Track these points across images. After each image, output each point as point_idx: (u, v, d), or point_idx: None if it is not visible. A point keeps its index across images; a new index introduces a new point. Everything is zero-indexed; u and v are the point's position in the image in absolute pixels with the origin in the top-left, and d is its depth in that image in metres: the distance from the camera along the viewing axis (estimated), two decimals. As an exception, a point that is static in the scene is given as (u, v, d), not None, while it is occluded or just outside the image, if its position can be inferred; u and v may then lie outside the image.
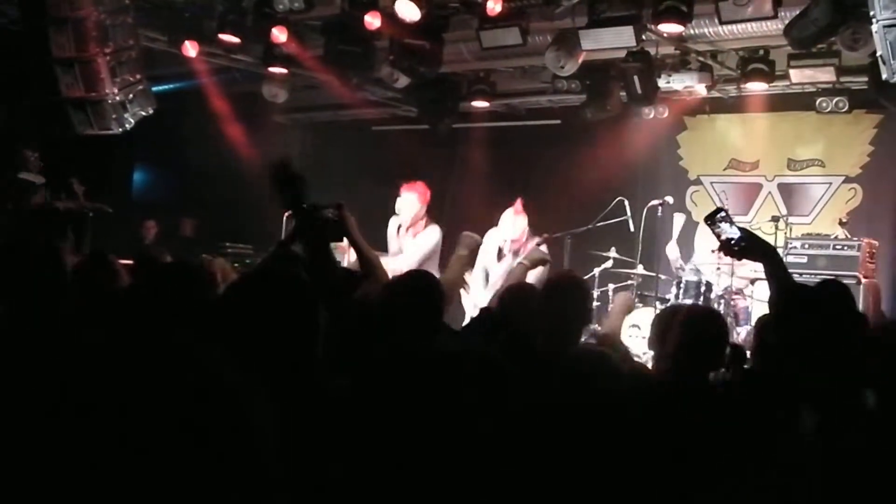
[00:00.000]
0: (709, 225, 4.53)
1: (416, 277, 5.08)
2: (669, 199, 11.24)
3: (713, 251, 9.79)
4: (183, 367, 1.25)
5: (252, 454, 1.26)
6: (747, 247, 4.46)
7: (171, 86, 12.71)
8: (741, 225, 4.59)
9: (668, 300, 10.78)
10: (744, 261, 4.79)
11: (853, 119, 12.46)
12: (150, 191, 15.23)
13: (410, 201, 9.15)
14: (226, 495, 1.23)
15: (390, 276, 5.47)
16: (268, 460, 1.29)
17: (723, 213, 4.50)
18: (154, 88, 11.16)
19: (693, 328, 4.49)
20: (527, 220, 9.11)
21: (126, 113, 10.49)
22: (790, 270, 10.48)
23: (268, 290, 3.48)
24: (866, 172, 12.63)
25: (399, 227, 9.20)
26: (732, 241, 4.44)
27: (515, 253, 8.97)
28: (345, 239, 5.63)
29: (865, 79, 10.89)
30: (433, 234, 9.09)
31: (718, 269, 10.97)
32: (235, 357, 1.58)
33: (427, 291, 4.61)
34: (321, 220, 5.46)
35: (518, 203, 9.16)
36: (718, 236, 4.48)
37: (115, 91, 10.34)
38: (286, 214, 11.72)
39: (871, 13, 7.46)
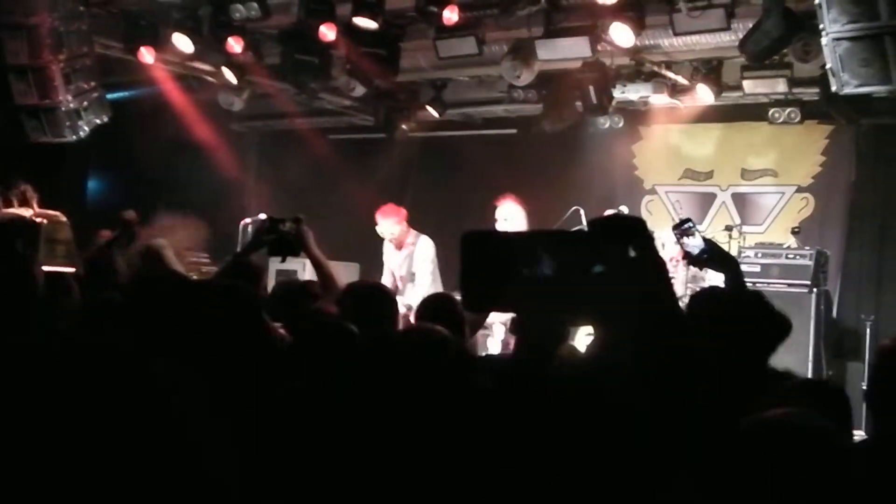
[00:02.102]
0: (675, 234, 4.59)
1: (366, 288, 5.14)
2: (624, 209, 11.30)
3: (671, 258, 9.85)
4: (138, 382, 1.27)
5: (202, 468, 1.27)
6: (710, 258, 4.53)
7: (127, 93, 12.64)
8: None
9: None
10: (692, 269, 4.88)
11: (805, 130, 12.59)
12: (104, 199, 15.09)
13: (390, 225, 9.33)
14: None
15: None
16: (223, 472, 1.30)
17: (689, 224, 4.57)
18: (109, 96, 11.11)
19: None
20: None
21: (80, 120, 10.44)
22: (745, 280, 10.62)
23: (213, 300, 3.50)
24: (818, 182, 12.76)
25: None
26: (697, 252, 4.50)
27: None
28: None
29: (817, 90, 11.02)
30: (429, 245, 9.26)
31: (674, 277, 11.04)
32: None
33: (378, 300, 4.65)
34: (279, 234, 5.48)
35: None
36: (683, 246, 4.54)
37: (70, 98, 10.29)
38: (242, 223, 11.74)
39: (821, 26, 7.56)
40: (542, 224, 11.08)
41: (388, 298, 5.18)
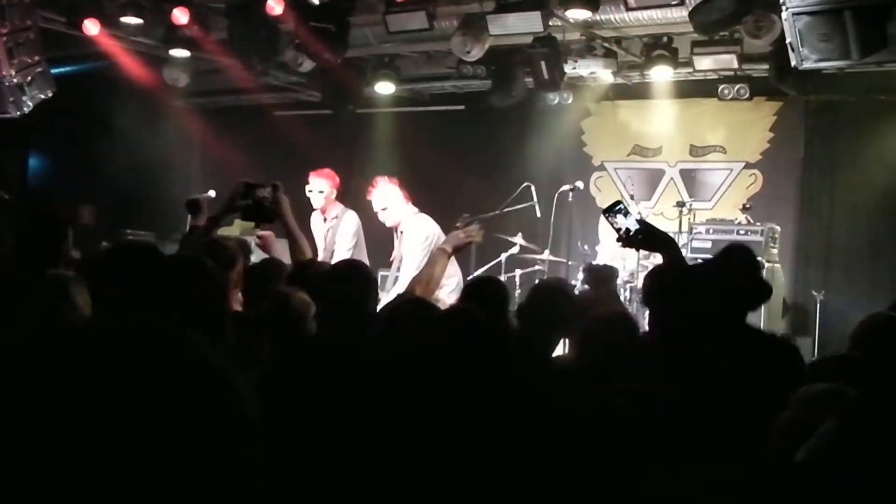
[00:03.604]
0: (606, 218, 4.57)
1: (345, 268, 5.02)
2: (580, 185, 11.26)
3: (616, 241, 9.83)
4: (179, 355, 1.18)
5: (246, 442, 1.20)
6: (645, 238, 4.51)
7: (71, 68, 12.37)
8: (641, 212, 4.67)
9: (575, 286, 10.83)
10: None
11: (754, 106, 12.64)
12: (46, 177, 14.82)
13: (320, 186, 9.08)
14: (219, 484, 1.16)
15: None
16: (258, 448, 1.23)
17: (620, 206, 4.54)
18: (53, 71, 10.87)
19: None
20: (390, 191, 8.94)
21: (24, 96, 10.21)
22: (695, 255, 10.68)
23: (174, 274, 3.40)
24: (766, 159, 12.83)
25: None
26: (631, 233, 4.48)
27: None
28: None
29: (766, 66, 11.06)
30: (353, 220, 9.05)
31: (624, 256, 11.04)
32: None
33: (355, 281, 4.53)
34: (254, 199, 5.35)
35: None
36: (617, 228, 4.51)
37: (13, 73, 10.05)
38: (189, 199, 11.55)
39: (781, 1, 7.54)
40: (488, 201, 11.03)
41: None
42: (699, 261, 10.93)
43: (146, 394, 1.11)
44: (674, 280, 3.95)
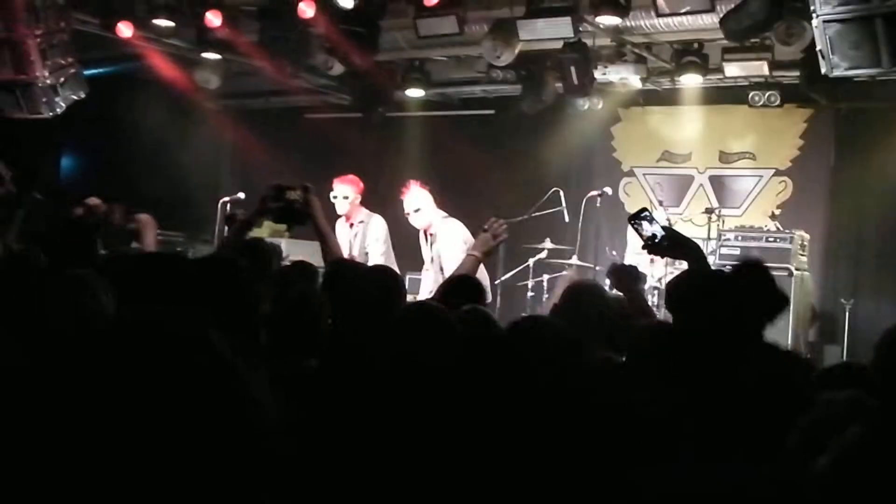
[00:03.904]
0: (632, 224, 4.57)
1: (376, 271, 5.07)
2: (608, 191, 11.26)
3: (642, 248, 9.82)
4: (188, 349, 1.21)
5: (256, 432, 1.23)
6: (670, 245, 4.52)
7: (104, 70, 12.47)
8: (670, 217, 4.72)
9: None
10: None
11: (784, 113, 12.58)
12: (78, 177, 14.93)
13: (345, 192, 9.10)
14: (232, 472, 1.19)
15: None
16: (271, 437, 1.26)
17: (645, 213, 4.55)
18: (86, 72, 10.96)
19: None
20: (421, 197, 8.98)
21: (57, 97, 10.30)
22: (724, 262, 10.65)
23: (207, 274, 3.44)
24: (797, 166, 12.77)
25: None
26: (656, 240, 4.49)
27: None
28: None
29: (797, 73, 11.02)
30: (381, 224, 9.08)
31: (652, 261, 11.03)
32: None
33: (381, 285, 4.57)
34: (286, 201, 5.37)
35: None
36: (641, 235, 4.53)
37: (46, 74, 10.14)
38: (220, 201, 11.62)
39: (812, 8, 7.52)
40: (516, 205, 11.05)
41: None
42: (727, 269, 10.95)
43: (159, 391, 1.14)
44: (696, 287, 3.95)
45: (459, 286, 5.13)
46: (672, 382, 3.18)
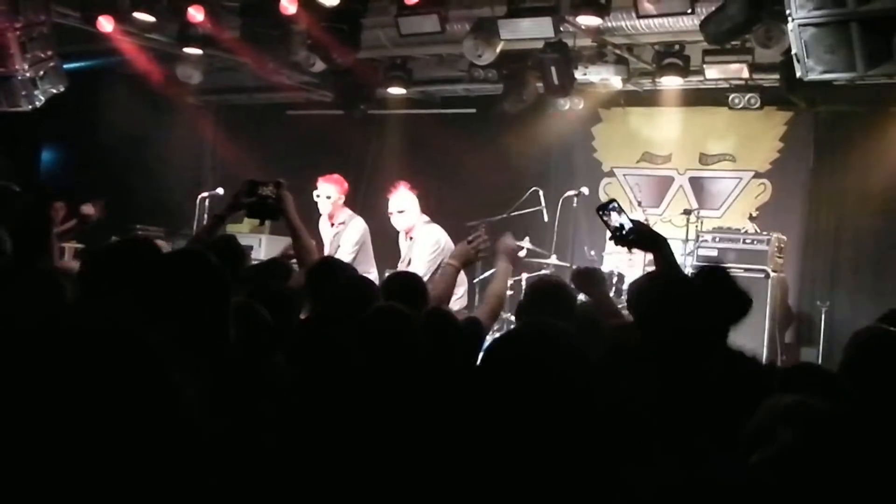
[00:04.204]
0: (600, 216, 4.60)
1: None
2: (585, 190, 11.26)
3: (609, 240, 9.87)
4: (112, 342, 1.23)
5: (181, 426, 1.24)
6: (638, 237, 4.55)
7: (83, 64, 12.44)
8: (649, 218, 4.73)
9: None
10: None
11: (764, 115, 12.64)
12: (58, 171, 14.91)
13: (328, 192, 9.10)
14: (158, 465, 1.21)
15: None
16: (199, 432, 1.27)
17: (614, 204, 4.58)
18: (66, 66, 10.94)
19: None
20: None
21: (36, 90, 10.30)
22: (701, 263, 10.69)
23: (178, 269, 3.44)
24: (776, 168, 12.83)
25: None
26: (623, 232, 4.52)
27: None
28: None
29: (777, 76, 11.05)
30: (358, 226, 9.08)
31: (630, 260, 11.08)
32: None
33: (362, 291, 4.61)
34: (258, 196, 5.39)
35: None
36: (609, 226, 4.55)
37: (26, 67, 10.15)
38: (199, 196, 11.62)
39: (787, 12, 7.55)
40: (496, 204, 11.07)
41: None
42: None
43: (78, 384, 1.16)
44: (658, 293, 3.97)
45: (399, 287, 5.14)
46: (640, 383, 3.21)
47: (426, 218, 8.97)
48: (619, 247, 4.74)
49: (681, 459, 2.59)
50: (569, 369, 2.82)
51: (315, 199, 9.05)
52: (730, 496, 1.90)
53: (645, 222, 10.17)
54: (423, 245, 8.71)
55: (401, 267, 8.97)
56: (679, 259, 11.20)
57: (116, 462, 1.17)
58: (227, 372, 3.04)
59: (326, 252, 9.11)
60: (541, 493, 2.52)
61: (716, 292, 4.16)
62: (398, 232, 9.08)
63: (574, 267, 5.47)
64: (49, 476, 1.14)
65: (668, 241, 10.99)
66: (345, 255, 8.91)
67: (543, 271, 11.32)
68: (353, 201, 9.56)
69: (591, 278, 5.40)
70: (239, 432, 2.63)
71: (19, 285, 3.54)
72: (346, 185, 9.23)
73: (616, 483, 2.29)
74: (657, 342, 3.52)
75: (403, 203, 8.86)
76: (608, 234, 4.64)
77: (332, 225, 9.17)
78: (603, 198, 13.39)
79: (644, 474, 2.10)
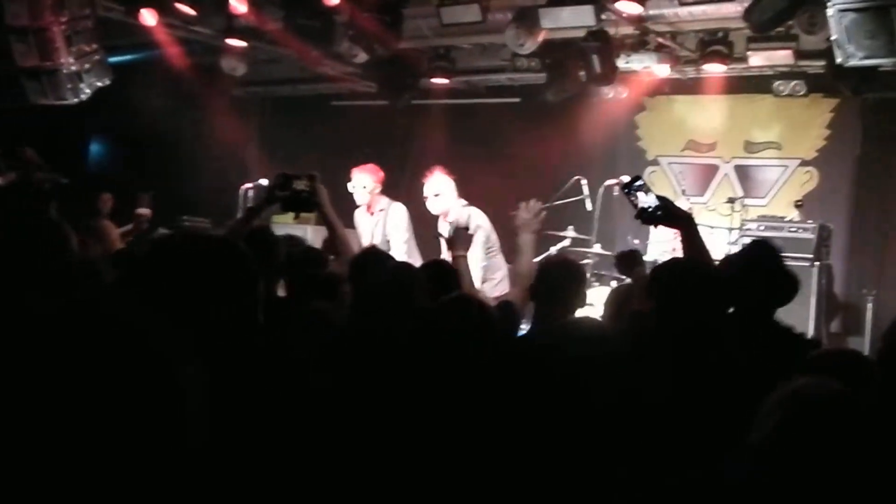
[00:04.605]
0: (626, 194, 4.59)
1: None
2: (626, 179, 11.20)
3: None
4: (109, 332, 1.25)
5: (178, 417, 1.26)
6: (664, 214, 4.52)
7: (128, 57, 12.55)
8: (693, 207, 4.69)
9: (624, 279, 10.81)
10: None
11: (810, 103, 12.52)
12: (105, 163, 15.07)
13: (364, 182, 9.12)
14: (150, 455, 1.23)
15: None
16: (195, 423, 1.29)
17: (640, 182, 4.56)
18: (111, 59, 11.04)
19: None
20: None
21: (82, 83, 10.39)
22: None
23: (203, 254, 3.45)
24: (822, 156, 12.70)
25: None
26: (649, 209, 4.50)
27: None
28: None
29: (823, 63, 10.93)
30: (401, 211, 9.09)
31: (674, 249, 11.01)
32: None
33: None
34: (292, 191, 5.41)
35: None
36: (635, 205, 4.54)
37: (71, 61, 10.24)
38: (242, 188, 11.70)
39: (827, -2, 7.51)
40: (539, 193, 11.01)
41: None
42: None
43: (80, 371, 1.18)
44: (675, 277, 3.95)
45: (438, 274, 5.18)
46: (653, 373, 3.20)
47: (463, 202, 8.97)
48: (645, 224, 4.72)
49: (686, 457, 2.58)
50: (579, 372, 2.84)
51: (350, 190, 9.07)
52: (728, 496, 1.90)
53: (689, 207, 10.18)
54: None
55: (371, 242, 8.97)
56: (724, 248, 11.20)
57: (108, 454, 1.19)
58: (252, 360, 3.07)
59: (366, 240, 9.14)
60: (541, 493, 2.54)
61: (759, 269, 4.14)
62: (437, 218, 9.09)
63: (618, 251, 5.50)
64: (40, 466, 1.17)
65: (713, 229, 11.02)
66: (399, 242, 8.95)
67: (587, 260, 11.27)
68: (398, 191, 9.58)
69: (630, 260, 5.42)
70: (256, 425, 2.65)
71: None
72: (381, 173, 9.24)
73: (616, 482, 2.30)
74: (673, 329, 3.51)
75: (439, 186, 8.87)
76: (664, 231, 4.65)
77: (372, 214, 9.19)
78: (647, 187, 13.32)
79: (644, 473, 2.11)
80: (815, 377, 2.58)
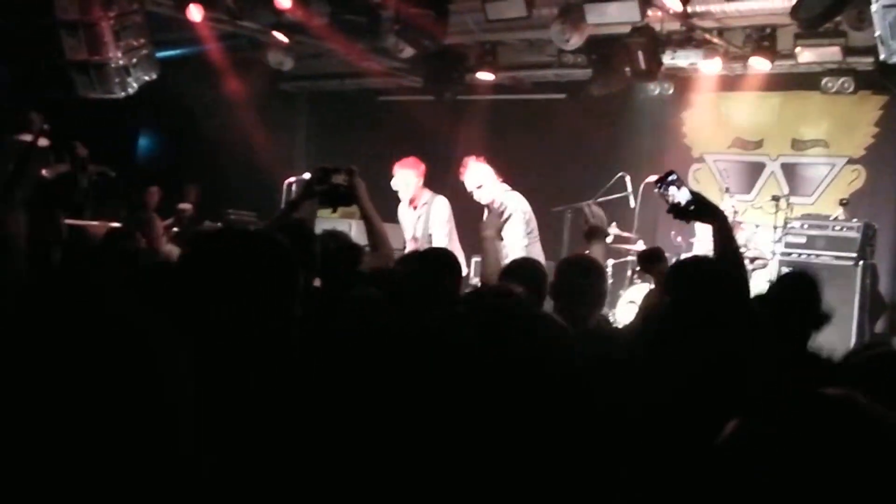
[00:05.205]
0: (658, 189, 4.56)
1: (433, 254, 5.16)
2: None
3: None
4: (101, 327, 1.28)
5: (165, 412, 1.29)
6: (697, 209, 4.50)
7: (176, 51, 12.67)
8: (736, 205, 4.70)
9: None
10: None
11: (858, 100, 12.40)
12: (153, 156, 15.23)
13: (406, 178, 9.14)
14: (135, 450, 1.26)
15: None
16: (182, 417, 1.32)
17: (673, 177, 4.53)
18: (158, 54, 11.15)
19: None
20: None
21: (129, 77, 10.51)
22: (789, 250, 10.53)
23: (243, 248, 3.49)
24: (870, 154, 12.59)
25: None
26: (682, 205, 4.48)
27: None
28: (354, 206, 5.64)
29: (872, 59, 10.82)
30: (444, 205, 9.11)
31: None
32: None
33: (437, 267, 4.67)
34: (330, 185, 5.42)
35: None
36: (667, 200, 4.51)
37: (119, 55, 10.36)
38: (286, 182, 11.78)
39: (872, -7, 7.45)
40: (584, 189, 11.03)
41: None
42: (792, 256, 10.85)
43: (65, 348, 1.22)
44: (689, 274, 3.94)
45: (519, 270, 5.20)
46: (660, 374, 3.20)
47: (506, 186, 8.92)
48: (678, 219, 4.70)
49: (687, 457, 2.57)
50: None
51: (394, 187, 9.10)
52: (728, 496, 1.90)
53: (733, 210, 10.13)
54: (512, 216, 8.77)
55: (415, 236, 9.01)
56: (769, 246, 11.13)
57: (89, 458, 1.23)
58: (290, 350, 3.10)
59: (409, 235, 9.19)
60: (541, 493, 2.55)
61: (794, 300, 4.13)
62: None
63: (640, 250, 5.51)
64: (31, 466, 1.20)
65: (759, 227, 10.93)
66: (440, 236, 8.96)
67: (630, 257, 11.26)
68: (443, 186, 9.59)
69: (654, 258, 5.41)
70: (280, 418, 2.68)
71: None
72: (422, 166, 9.24)
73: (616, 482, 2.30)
74: (683, 325, 3.49)
75: (478, 177, 8.84)
76: (666, 207, 4.60)
77: (415, 208, 9.21)
78: (693, 184, 13.27)
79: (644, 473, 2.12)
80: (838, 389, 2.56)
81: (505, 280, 5.00)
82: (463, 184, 9.11)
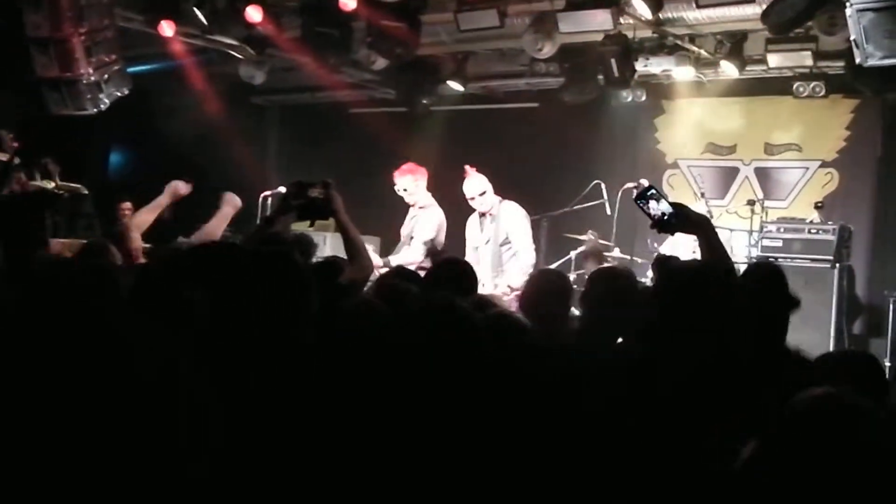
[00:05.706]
0: (639, 205, 4.51)
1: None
2: (644, 182, 11.17)
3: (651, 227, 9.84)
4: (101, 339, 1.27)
5: (165, 412, 1.28)
6: (679, 221, 4.46)
7: (148, 66, 12.61)
8: (712, 210, 4.67)
9: (644, 283, 10.80)
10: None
11: (830, 104, 12.47)
12: (125, 172, 15.13)
13: (405, 185, 9.25)
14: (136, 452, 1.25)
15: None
16: (182, 419, 1.31)
17: (651, 191, 4.49)
18: (130, 69, 11.09)
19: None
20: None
21: (101, 93, 10.45)
22: (766, 254, 10.56)
23: (262, 268, 3.44)
24: (843, 157, 12.66)
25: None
26: (665, 217, 4.44)
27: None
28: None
29: (842, 63, 10.90)
30: (435, 217, 9.20)
31: (694, 252, 10.98)
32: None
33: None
34: (307, 199, 5.39)
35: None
36: (649, 214, 4.46)
37: (91, 71, 10.30)
38: (262, 196, 11.73)
39: (846, -3, 7.48)
40: (559, 198, 11.06)
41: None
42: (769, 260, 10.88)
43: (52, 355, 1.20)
44: (674, 277, 3.91)
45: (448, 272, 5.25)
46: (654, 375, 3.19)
47: (499, 197, 9.16)
48: (662, 233, 4.66)
49: (684, 457, 2.56)
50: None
51: (400, 194, 9.26)
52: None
53: (707, 212, 10.13)
54: (516, 220, 9.07)
55: (487, 247, 9.12)
56: (744, 251, 11.16)
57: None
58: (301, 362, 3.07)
59: (403, 234, 9.34)
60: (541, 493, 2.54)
61: (764, 288, 4.12)
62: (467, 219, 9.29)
63: (658, 256, 5.46)
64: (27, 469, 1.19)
65: (733, 232, 10.97)
66: (418, 243, 9.04)
67: (607, 264, 11.25)
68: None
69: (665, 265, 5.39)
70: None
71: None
72: (419, 169, 9.36)
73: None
74: (670, 329, 3.47)
75: (482, 185, 9.07)
76: (649, 222, 4.55)
77: (414, 207, 9.36)
78: (667, 190, 13.31)
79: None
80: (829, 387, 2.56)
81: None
82: (438, 193, 9.21)
